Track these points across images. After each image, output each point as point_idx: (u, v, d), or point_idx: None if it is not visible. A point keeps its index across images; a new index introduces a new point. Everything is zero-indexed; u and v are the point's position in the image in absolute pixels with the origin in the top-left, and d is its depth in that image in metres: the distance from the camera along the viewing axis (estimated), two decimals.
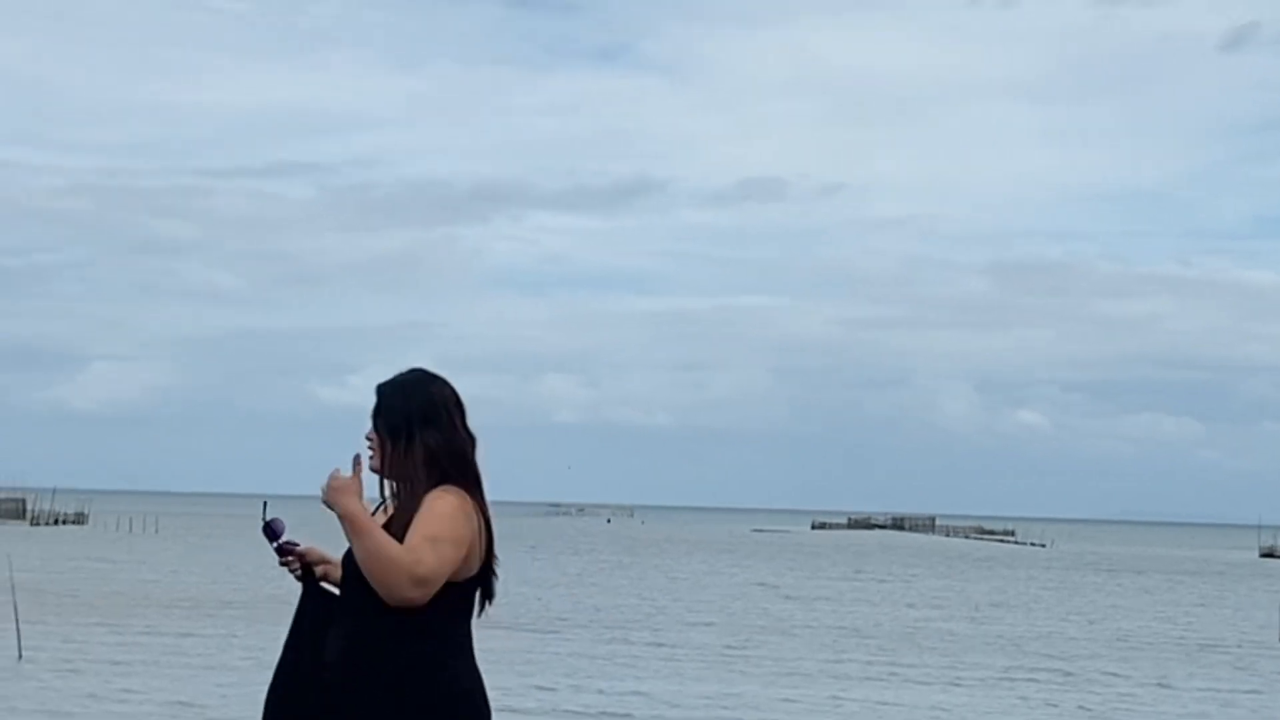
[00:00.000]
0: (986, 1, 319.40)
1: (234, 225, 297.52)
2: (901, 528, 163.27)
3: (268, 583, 44.58)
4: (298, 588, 5.11)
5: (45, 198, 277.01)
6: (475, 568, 4.83)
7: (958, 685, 28.89)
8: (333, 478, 4.81)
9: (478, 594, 4.91)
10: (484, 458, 4.98)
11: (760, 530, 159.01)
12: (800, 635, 38.13)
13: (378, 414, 4.95)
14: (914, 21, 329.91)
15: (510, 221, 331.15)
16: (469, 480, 4.86)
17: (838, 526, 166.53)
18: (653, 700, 25.12)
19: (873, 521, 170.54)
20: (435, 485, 4.83)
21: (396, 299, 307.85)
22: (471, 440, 4.94)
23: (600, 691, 25.90)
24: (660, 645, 34.14)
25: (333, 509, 4.77)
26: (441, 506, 4.77)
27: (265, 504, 5.27)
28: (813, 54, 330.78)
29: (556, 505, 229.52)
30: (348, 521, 4.73)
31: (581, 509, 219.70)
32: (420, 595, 4.67)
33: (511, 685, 26.02)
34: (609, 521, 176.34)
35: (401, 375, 4.99)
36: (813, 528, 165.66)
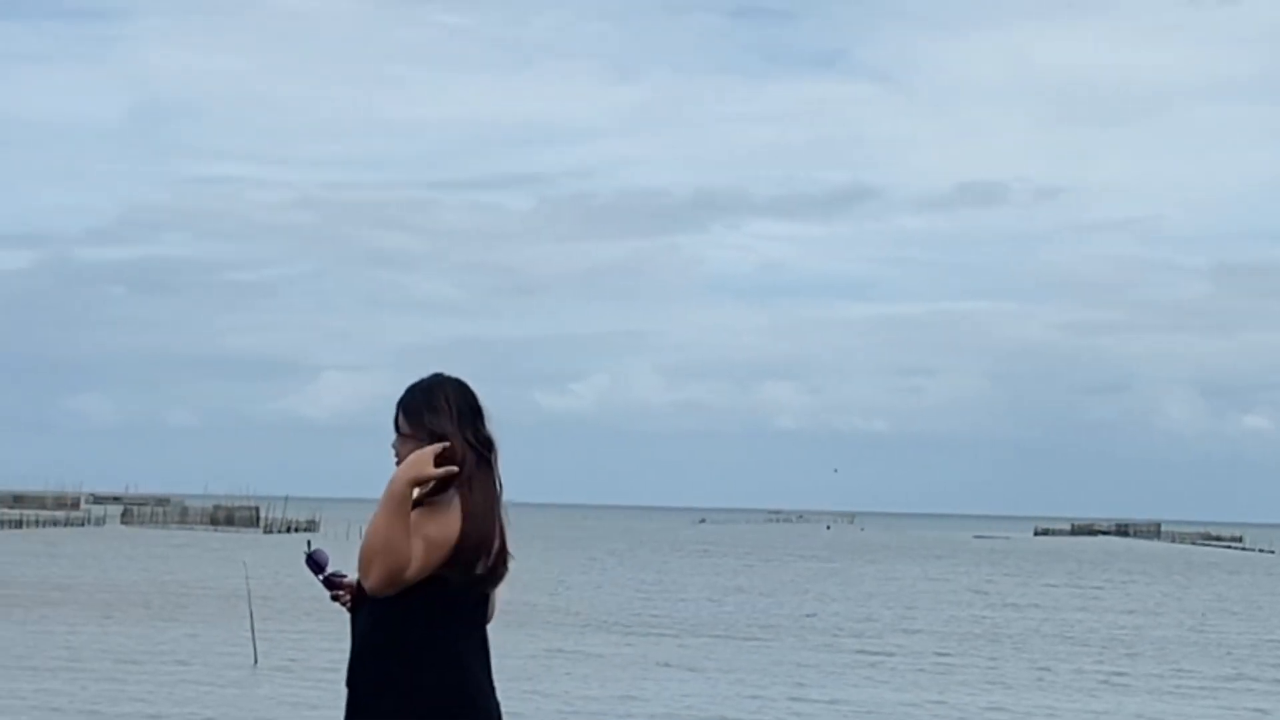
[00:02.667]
0: (1207, 0, 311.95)
1: (456, 237, 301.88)
2: (1126, 534, 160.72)
3: None
4: None
5: (275, 212, 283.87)
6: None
7: (1171, 693, 28.76)
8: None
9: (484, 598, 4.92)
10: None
11: (981, 536, 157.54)
12: (1012, 642, 38.07)
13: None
14: (1131, 22, 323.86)
15: (728, 230, 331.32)
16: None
17: (1061, 533, 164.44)
18: (855, 708, 25.40)
19: (1096, 528, 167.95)
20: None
21: (616, 308, 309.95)
22: (478, 444, 5.02)
23: (799, 699, 26.25)
24: (866, 652, 34.35)
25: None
26: (452, 506, 4.84)
27: (309, 541, 5.51)
28: (1028, 57, 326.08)
29: (776, 512, 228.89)
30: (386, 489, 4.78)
31: (801, 516, 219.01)
32: (388, 589, 4.71)
33: (718, 693, 26.56)
34: (828, 528, 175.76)
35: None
36: (1035, 534, 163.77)
